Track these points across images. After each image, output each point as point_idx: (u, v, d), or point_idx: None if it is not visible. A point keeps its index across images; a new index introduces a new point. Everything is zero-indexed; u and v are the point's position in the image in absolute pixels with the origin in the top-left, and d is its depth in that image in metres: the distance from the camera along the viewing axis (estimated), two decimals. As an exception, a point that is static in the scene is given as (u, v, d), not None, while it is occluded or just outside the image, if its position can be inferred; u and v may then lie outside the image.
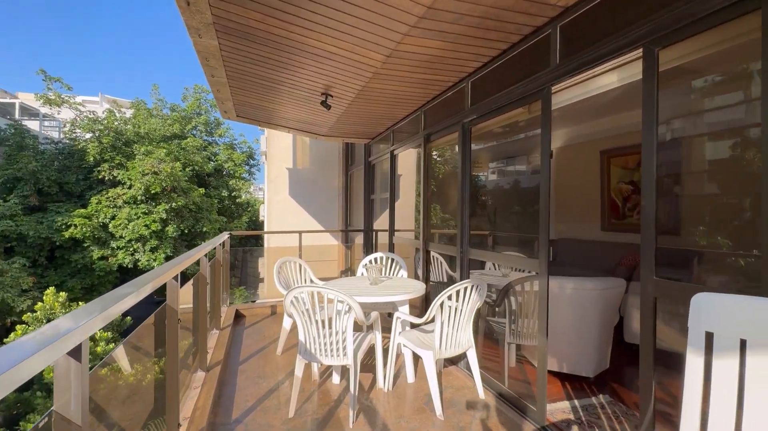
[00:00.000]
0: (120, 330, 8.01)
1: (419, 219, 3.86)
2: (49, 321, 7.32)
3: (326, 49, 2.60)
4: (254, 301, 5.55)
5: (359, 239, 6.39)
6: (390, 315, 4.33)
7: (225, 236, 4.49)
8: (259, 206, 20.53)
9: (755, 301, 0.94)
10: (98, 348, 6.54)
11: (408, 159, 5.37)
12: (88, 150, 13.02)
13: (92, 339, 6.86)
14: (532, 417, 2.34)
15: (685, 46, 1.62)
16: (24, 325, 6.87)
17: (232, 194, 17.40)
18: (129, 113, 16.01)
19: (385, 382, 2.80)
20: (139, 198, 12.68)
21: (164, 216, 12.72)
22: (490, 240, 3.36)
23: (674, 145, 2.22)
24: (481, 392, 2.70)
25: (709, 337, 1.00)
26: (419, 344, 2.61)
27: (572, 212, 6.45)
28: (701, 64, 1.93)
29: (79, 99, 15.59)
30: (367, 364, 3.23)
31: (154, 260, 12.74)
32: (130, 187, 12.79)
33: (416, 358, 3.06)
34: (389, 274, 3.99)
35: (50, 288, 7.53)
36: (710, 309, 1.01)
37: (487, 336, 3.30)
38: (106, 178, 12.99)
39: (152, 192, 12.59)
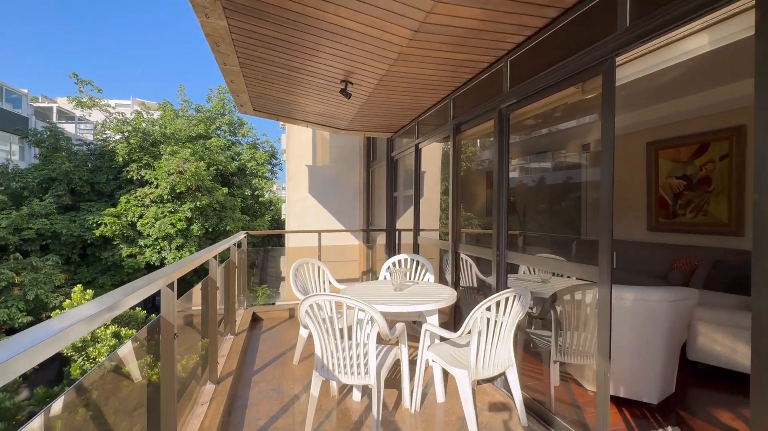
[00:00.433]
0: (135, 325, 8.05)
1: (448, 218, 3.51)
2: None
3: (345, 25, 2.30)
4: (274, 303, 5.35)
5: (381, 239, 6.09)
6: (416, 322, 4.00)
7: (241, 235, 4.29)
8: (281, 205, 20.64)
9: None
10: (103, 349, 6.58)
11: (431, 154, 5.01)
12: (117, 150, 13.38)
13: (93, 338, 6.90)
14: (590, 455, 1.96)
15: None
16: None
17: (255, 193, 17.53)
18: (157, 115, 16.40)
19: (411, 401, 2.49)
20: (165, 197, 12.91)
21: (189, 215, 12.90)
22: (529, 242, 2.97)
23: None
24: (523, 418, 2.33)
25: None
26: (452, 361, 2.27)
27: (583, 210, 5.92)
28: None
29: (113, 103, 16.16)
30: (392, 378, 2.92)
31: (180, 257, 12.96)
32: (156, 187, 13.04)
33: (447, 373, 2.73)
34: (415, 278, 3.66)
35: (77, 285, 7.67)
36: None
37: (527, 350, 2.91)
38: (135, 178, 13.31)
39: (177, 191, 12.79)
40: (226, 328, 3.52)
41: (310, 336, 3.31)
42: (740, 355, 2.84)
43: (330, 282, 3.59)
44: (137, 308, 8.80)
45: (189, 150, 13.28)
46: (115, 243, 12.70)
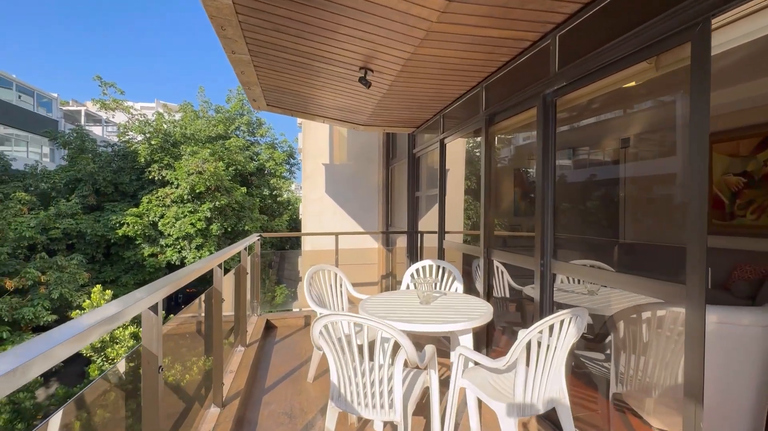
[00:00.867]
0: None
1: (479, 220, 3.13)
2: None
3: (366, -3, 1.97)
4: (290, 310, 5.09)
5: (401, 241, 5.75)
6: (446, 338, 3.64)
7: (254, 238, 4.04)
8: (299, 204, 20.60)
9: None
10: (122, 350, 6.49)
11: (453, 151, 4.62)
12: (140, 151, 13.57)
13: (112, 338, 6.82)
14: None
15: None
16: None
17: (274, 193, 17.52)
18: (178, 116, 16.61)
19: (442, 435, 2.14)
20: (185, 197, 12.99)
21: (209, 214, 12.94)
22: (580, 249, 2.57)
23: None
24: (578, 462, 1.94)
25: None
26: (492, 392, 1.91)
27: (655, 210, 5.36)
28: None
29: (138, 106, 16.49)
30: (418, 404, 2.58)
31: (200, 257, 13.02)
32: (177, 187, 13.14)
33: (482, 401, 2.36)
34: (442, 288, 3.31)
35: (97, 286, 7.69)
36: None
37: (576, 375, 2.52)
38: (156, 178, 13.46)
39: (197, 191, 12.84)
40: (237, 339, 3.26)
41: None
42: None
43: (348, 292, 3.27)
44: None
45: (209, 150, 13.32)
46: (137, 242, 12.87)
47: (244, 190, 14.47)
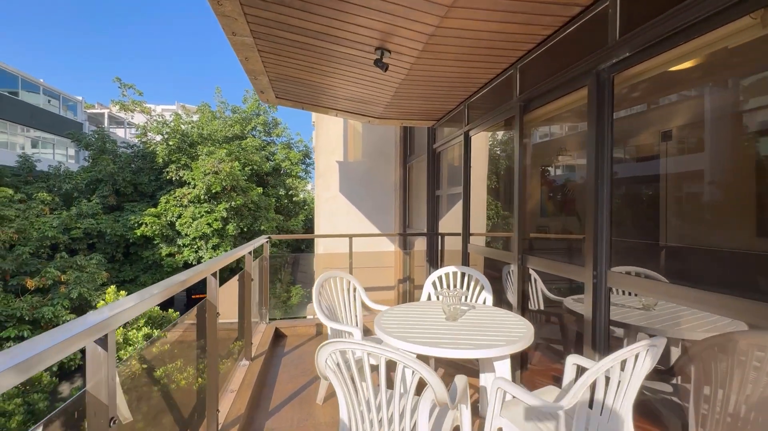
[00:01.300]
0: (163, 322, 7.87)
1: (511, 222, 2.74)
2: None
3: (382, -49, 1.62)
4: (303, 316, 4.81)
5: (420, 243, 5.38)
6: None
7: (261, 240, 3.76)
8: (314, 204, 20.42)
9: None
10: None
11: (478, 146, 4.21)
12: (158, 152, 13.67)
13: (126, 340, 6.69)
14: None
15: None
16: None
17: (289, 192, 17.44)
18: (196, 117, 16.72)
19: (474, 483, 1.77)
20: (201, 197, 12.99)
21: (225, 214, 12.91)
22: (643, 259, 2.14)
23: None
24: None
25: None
26: (540, 440, 1.53)
27: (703, 211, 4.81)
28: None
29: (159, 108, 16.73)
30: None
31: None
32: (194, 187, 13.15)
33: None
34: (469, 300, 2.92)
35: (111, 286, 7.64)
36: None
37: (640, 412, 2.09)
38: (174, 179, 13.52)
39: (213, 191, 12.82)
40: (241, 353, 2.97)
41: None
42: None
43: (363, 301, 2.93)
44: (170, 309, 8.72)
45: (225, 150, 13.29)
46: (155, 242, 12.96)
47: (260, 190, 14.40)
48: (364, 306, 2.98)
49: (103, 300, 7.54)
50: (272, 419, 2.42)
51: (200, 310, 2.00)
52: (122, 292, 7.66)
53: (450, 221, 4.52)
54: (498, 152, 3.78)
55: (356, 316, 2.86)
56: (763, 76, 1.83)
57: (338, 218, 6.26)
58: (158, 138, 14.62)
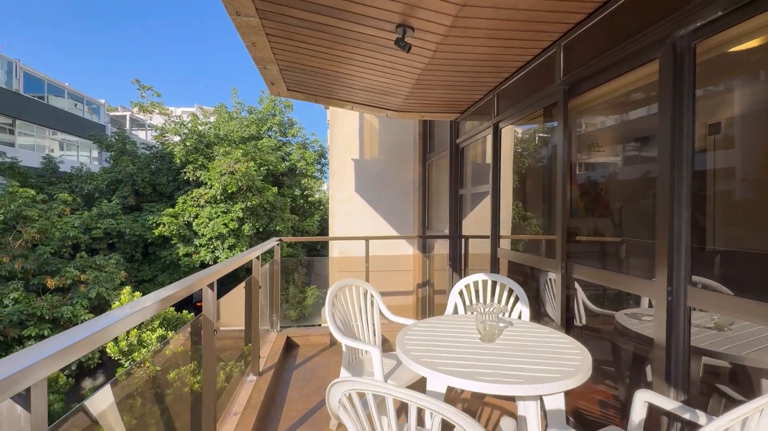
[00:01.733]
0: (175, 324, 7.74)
1: (555, 224, 2.37)
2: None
3: None
4: (318, 324, 4.54)
5: (440, 246, 5.03)
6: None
7: (272, 243, 3.50)
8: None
9: None
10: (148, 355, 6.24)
11: (507, 139, 3.83)
12: (175, 152, 13.76)
13: (140, 342, 6.56)
14: None
15: None
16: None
17: (305, 193, 17.37)
18: (213, 118, 16.83)
19: None
20: (218, 197, 12.99)
21: (241, 215, 12.87)
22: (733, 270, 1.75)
23: None
24: None
25: None
26: None
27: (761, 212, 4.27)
28: None
29: (179, 111, 16.95)
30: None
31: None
32: (210, 187, 13.17)
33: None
34: (506, 315, 2.56)
35: (126, 287, 7.61)
36: None
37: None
38: (191, 179, 13.58)
39: (229, 191, 12.80)
40: (248, 367, 2.71)
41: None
42: None
43: (382, 313, 2.62)
44: (184, 311, 8.65)
45: (241, 151, 13.27)
46: (173, 242, 13.03)
47: (275, 190, 14.34)
48: (382, 316, 2.68)
49: (118, 300, 7.51)
50: (279, 447, 2.15)
51: (194, 327, 1.74)
52: (137, 293, 7.61)
53: (475, 222, 4.16)
54: (533, 145, 3.40)
55: (374, 330, 2.55)
56: None
57: (354, 219, 5.97)
58: (176, 139, 14.74)
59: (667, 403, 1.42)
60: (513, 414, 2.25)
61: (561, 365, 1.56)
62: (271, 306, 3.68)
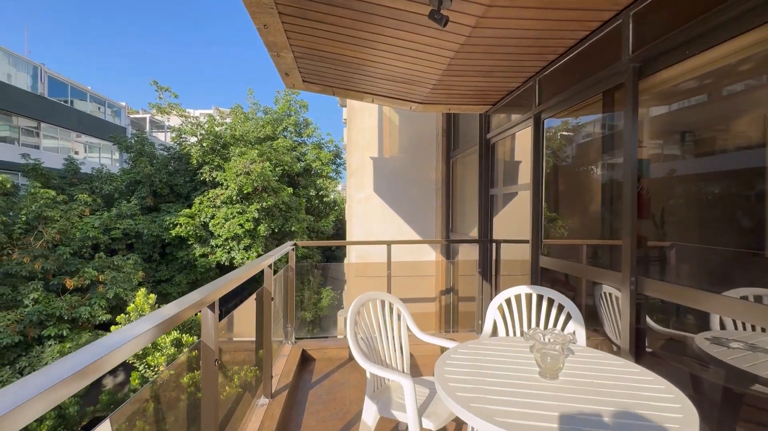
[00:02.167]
0: (197, 331, 7.61)
1: (622, 229, 1.98)
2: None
3: None
4: (336, 336, 4.25)
5: (466, 251, 4.65)
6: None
7: (286, 248, 3.22)
8: (344, 205, 20.07)
9: None
10: (161, 358, 6.08)
11: (525, 139, 3.41)
12: (192, 153, 13.78)
13: (154, 345, 6.43)
14: None
15: None
16: (117, 325, 6.90)
17: (320, 193, 17.21)
18: (230, 120, 16.85)
19: None
20: (234, 198, 12.93)
21: (256, 215, 12.79)
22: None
23: None
24: None
25: None
26: None
27: None
28: None
29: (197, 113, 17.08)
30: None
31: (248, 258, 12.89)
32: (226, 188, 13.13)
33: None
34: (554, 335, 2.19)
35: (141, 289, 7.51)
36: None
37: None
38: (207, 180, 13.57)
39: (245, 192, 12.72)
40: (258, 388, 2.42)
41: (379, 424, 2.06)
42: None
43: (410, 330, 2.28)
44: (198, 314, 8.51)
45: (256, 151, 13.18)
46: (189, 242, 13.03)
47: (290, 190, 14.21)
48: (410, 334, 2.34)
49: (133, 302, 7.42)
50: (294, 491, 1.84)
51: (193, 350, 1.44)
52: (152, 295, 7.51)
53: (510, 226, 3.77)
54: (588, 136, 2.99)
55: (403, 354, 2.21)
56: None
57: (372, 221, 5.65)
58: (193, 140, 14.79)
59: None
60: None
61: (657, 418, 1.19)
62: (286, 316, 3.39)
